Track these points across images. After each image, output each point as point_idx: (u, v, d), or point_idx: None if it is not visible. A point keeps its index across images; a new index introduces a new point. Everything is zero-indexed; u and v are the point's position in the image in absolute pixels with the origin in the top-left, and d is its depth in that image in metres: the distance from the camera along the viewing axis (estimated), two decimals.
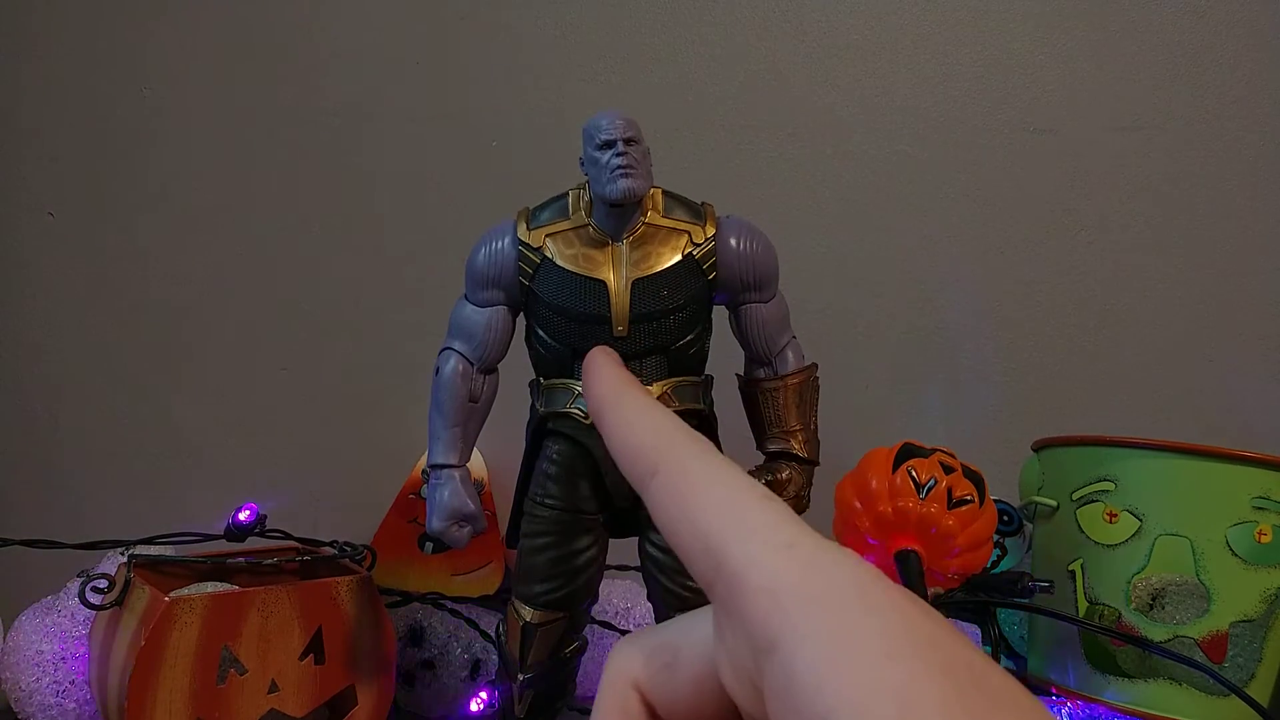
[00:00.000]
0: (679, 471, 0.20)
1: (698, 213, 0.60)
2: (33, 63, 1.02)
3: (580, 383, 0.59)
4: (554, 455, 0.60)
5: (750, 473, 0.36)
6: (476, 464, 0.88)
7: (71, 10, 1.02)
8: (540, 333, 0.60)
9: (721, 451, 0.21)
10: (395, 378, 0.98)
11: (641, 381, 0.32)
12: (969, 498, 0.69)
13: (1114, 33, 0.95)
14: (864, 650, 0.16)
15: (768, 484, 0.61)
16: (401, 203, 1.00)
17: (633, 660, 0.21)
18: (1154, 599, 0.70)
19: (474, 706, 0.75)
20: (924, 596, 0.66)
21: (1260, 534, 0.69)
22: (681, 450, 0.21)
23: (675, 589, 0.60)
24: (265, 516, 0.78)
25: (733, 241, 0.59)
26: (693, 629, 0.21)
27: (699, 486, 0.20)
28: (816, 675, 0.16)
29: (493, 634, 0.74)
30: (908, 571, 0.68)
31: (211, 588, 0.69)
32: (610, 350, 0.25)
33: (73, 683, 0.70)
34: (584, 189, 0.59)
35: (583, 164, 0.58)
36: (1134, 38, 0.95)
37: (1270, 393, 0.94)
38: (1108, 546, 0.73)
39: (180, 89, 1.02)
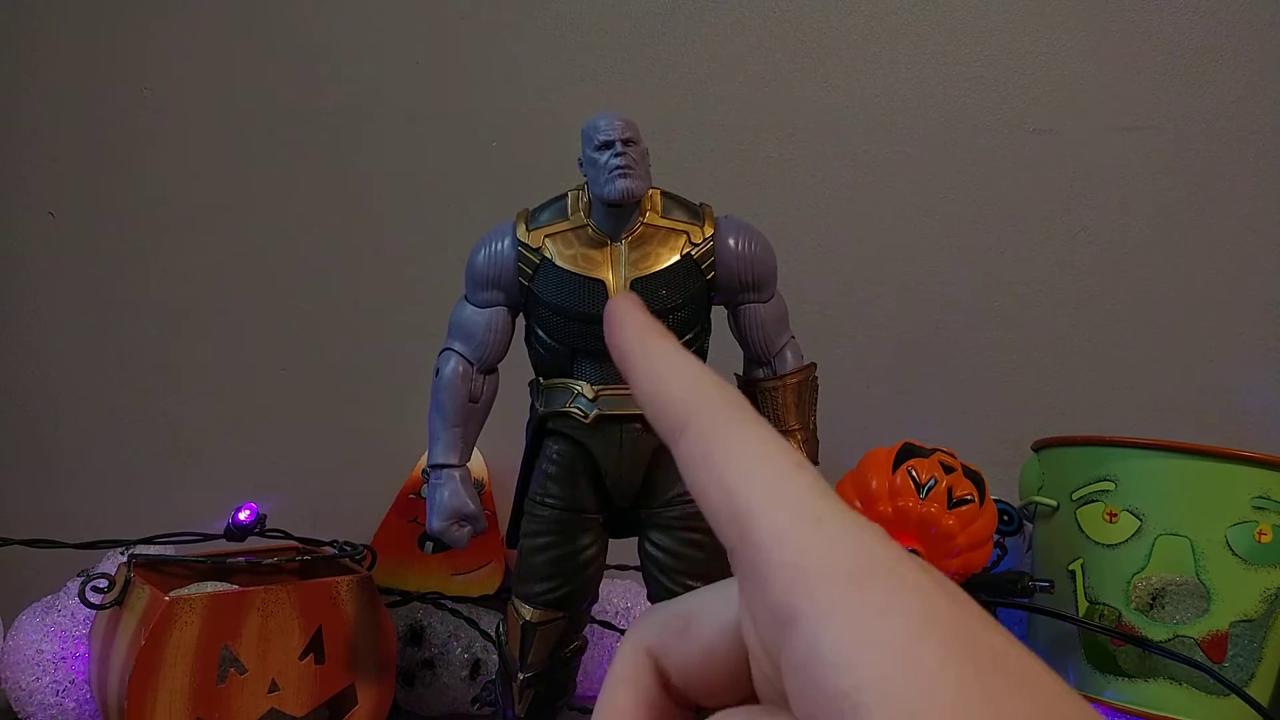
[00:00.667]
0: (710, 429, 0.19)
1: (696, 213, 0.60)
2: (33, 63, 1.02)
3: (580, 382, 0.59)
4: (554, 455, 0.60)
5: None
6: (476, 464, 0.88)
7: (71, 10, 1.02)
8: (540, 333, 0.60)
9: None
10: (395, 378, 0.98)
11: None
12: (969, 498, 0.69)
13: (1114, 33, 0.95)
14: (886, 630, 0.16)
15: None
16: (401, 203, 1.00)
17: (649, 627, 0.21)
18: (1154, 599, 0.70)
19: (473, 701, 0.75)
20: None
21: (1260, 534, 0.69)
22: (714, 406, 0.20)
23: (675, 589, 0.60)
24: (265, 516, 0.78)
25: (731, 241, 0.59)
26: (708, 598, 0.21)
27: (730, 447, 0.19)
28: (837, 653, 0.16)
29: (493, 634, 0.74)
30: None
31: (211, 587, 0.69)
32: (634, 296, 0.24)
33: (73, 683, 0.70)
34: (583, 190, 0.59)
35: (581, 165, 0.58)
36: (1134, 38, 0.95)
37: (1270, 393, 0.94)
38: (1108, 546, 0.73)
39: (180, 89, 1.02)
